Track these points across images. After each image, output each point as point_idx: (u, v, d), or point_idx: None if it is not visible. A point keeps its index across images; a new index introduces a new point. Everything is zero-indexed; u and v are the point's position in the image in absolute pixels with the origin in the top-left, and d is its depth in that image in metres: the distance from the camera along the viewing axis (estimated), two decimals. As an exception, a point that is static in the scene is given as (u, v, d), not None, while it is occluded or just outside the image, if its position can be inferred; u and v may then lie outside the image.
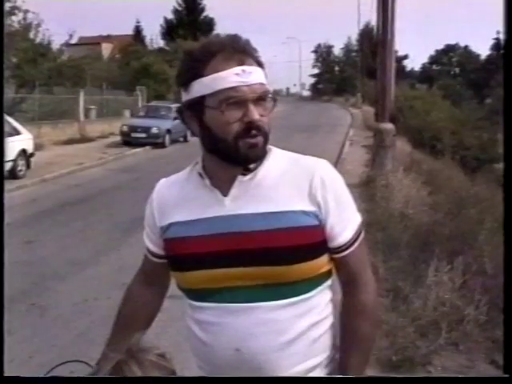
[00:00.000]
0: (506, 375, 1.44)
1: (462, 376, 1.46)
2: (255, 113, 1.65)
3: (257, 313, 1.69)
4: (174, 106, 24.07)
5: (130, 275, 2.10)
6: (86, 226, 9.74)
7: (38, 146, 16.39)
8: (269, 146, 1.77)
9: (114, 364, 1.45)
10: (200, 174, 1.79)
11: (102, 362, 1.97)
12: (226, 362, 1.73)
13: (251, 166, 1.73)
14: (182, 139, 23.93)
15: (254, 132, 1.66)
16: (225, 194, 1.74)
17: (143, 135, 22.45)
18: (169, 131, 23.09)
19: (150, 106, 26.40)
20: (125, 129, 23.11)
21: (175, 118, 21.60)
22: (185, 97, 1.72)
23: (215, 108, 1.64)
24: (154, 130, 22.56)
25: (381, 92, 13.82)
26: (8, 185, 13.22)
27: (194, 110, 1.70)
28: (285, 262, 1.66)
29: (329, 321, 1.81)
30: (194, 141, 1.86)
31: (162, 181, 1.93)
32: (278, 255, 1.66)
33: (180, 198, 1.82)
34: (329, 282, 1.80)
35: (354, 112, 46.40)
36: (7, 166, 13.50)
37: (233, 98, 1.63)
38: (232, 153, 1.68)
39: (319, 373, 1.79)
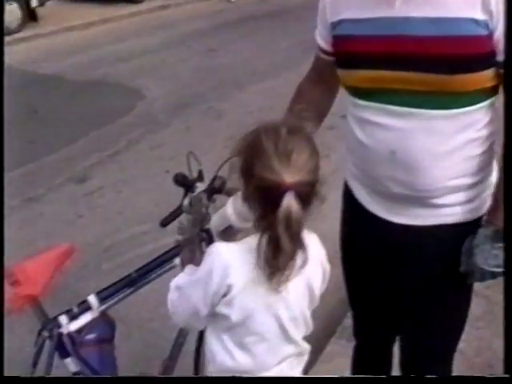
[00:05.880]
0: (506, 375, 1.40)
1: (462, 376, 1.41)
2: None
3: (416, 118, 1.67)
4: None
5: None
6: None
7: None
8: None
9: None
10: None
11: None
12: (381, 162, 1.74)
13: None
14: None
15: None
16: None
17: None
18: None
19: None
20: None
21: None
22: None
23: None
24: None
25: None
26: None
27: None
28: (448, 71, 1.60)
29: (487, 142, 1.75)
30: None
31: None
32: (442, 62, 1.60)
33: None
34: (492, 100, 1.71)
35: None
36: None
37: None
38: None
39: (470, 194, 1.77)
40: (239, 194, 1.69)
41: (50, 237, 4.07)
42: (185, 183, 2.11)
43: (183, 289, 1.56)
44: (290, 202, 1.33)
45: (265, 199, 1.38)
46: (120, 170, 5.32)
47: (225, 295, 1.45)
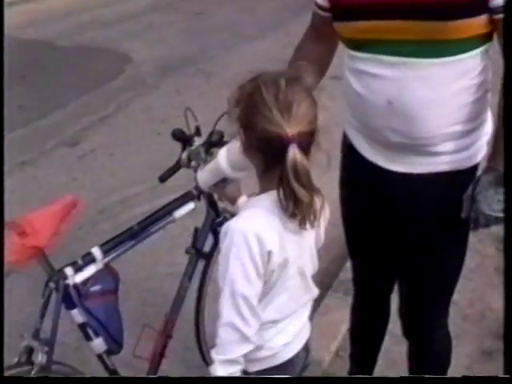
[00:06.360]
0: (506, 375, 1.39)
1: (462, 376, 1.43)
2: None
3: (411, 68, 1.68)
4: None
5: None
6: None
7: None
8: None
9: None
10: None
11: None
12: (378, 112, 1.76)
13: None
14: None
15: None
16: None
17: None
18: None
19: None
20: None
21: None
22: None
23: None
24: None
25: None
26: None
27: None
28: (441, 17, 1.61)
29: (481, 89, 1.76)
30: None
31: None
32: (434, 9, 1.61)
33: None
34: (486, 47, 1.72)
35: None
36: None
37: None
38: None
39: (466, 141, 1.79)
40: (230, 144, 1.71)
41: (44, 199, 4.07)
42: (183, 138, 2.13)
43: (246, 292, 1.45)
44: (294, 153, 1.35)
45: (268, 151, 1.40)
46: (111, 133, 5.31)
47: (268, 263, 1.45)
